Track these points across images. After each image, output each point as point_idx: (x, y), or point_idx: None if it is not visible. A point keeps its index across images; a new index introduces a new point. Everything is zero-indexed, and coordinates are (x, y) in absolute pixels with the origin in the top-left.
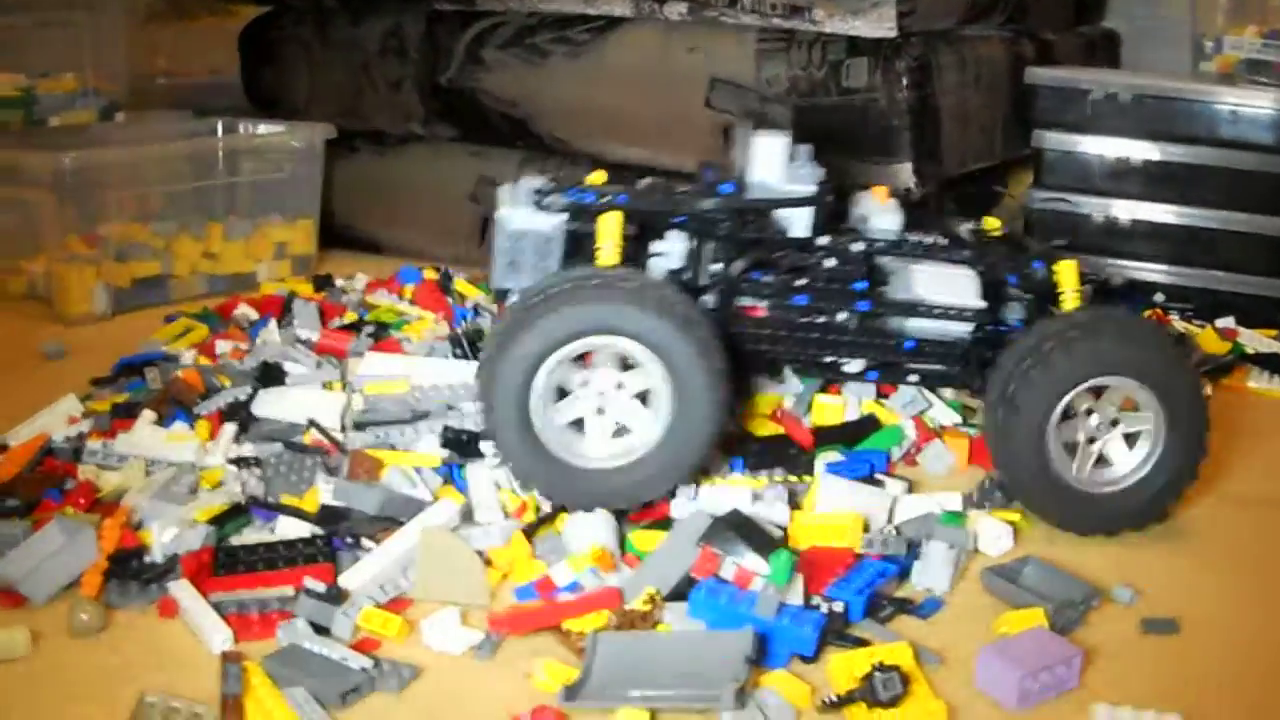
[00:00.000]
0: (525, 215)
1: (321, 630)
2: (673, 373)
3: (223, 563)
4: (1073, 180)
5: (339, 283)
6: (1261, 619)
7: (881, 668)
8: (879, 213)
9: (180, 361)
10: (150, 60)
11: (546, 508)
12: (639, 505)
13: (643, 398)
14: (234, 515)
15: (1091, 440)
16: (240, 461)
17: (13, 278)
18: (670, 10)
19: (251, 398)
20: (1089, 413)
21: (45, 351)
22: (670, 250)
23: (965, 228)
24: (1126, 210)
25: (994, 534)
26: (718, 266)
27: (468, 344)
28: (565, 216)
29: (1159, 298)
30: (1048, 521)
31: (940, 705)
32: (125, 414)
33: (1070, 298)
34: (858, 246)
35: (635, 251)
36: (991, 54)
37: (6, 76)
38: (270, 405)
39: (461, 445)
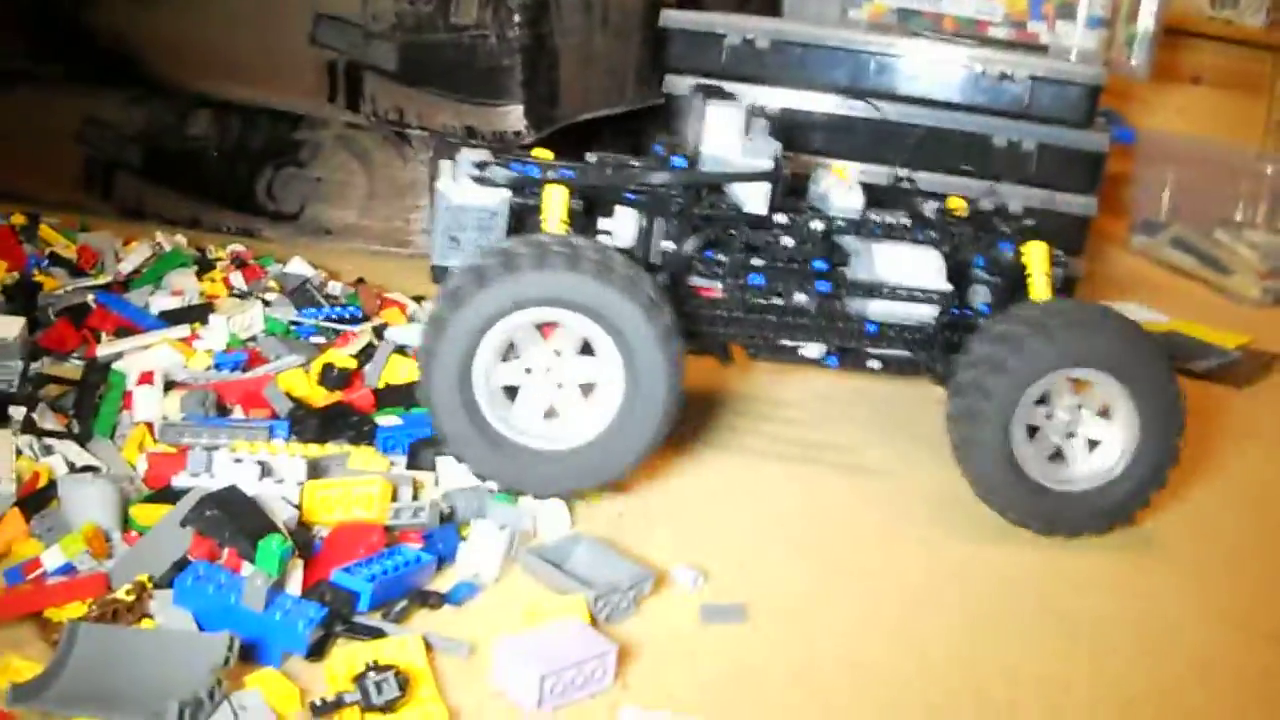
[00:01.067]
0: (467, 189)
1: None
2: (630, 359)
3: None
4: None
5: None
6: (829, 605)
7: (376, 668)
8: (840, 191)
9: None
10: None
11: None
12: (576, 492)
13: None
14: None
15: (1069, 435)
16: None
17: None
18: None
19: None
20: (1068, 407)
21: None
22: (619, 228)
23: (930, 206)
24: None
25: (555, 513)
26: (669, 245)
27: (24, 295)
28: (508, 191)
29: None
30: (1008, 518)
31: (443, 709)
32: None
33: (1040, 282)
34: (817, 225)
35: (583, 229)
36: None
37: None
38: None
39: None
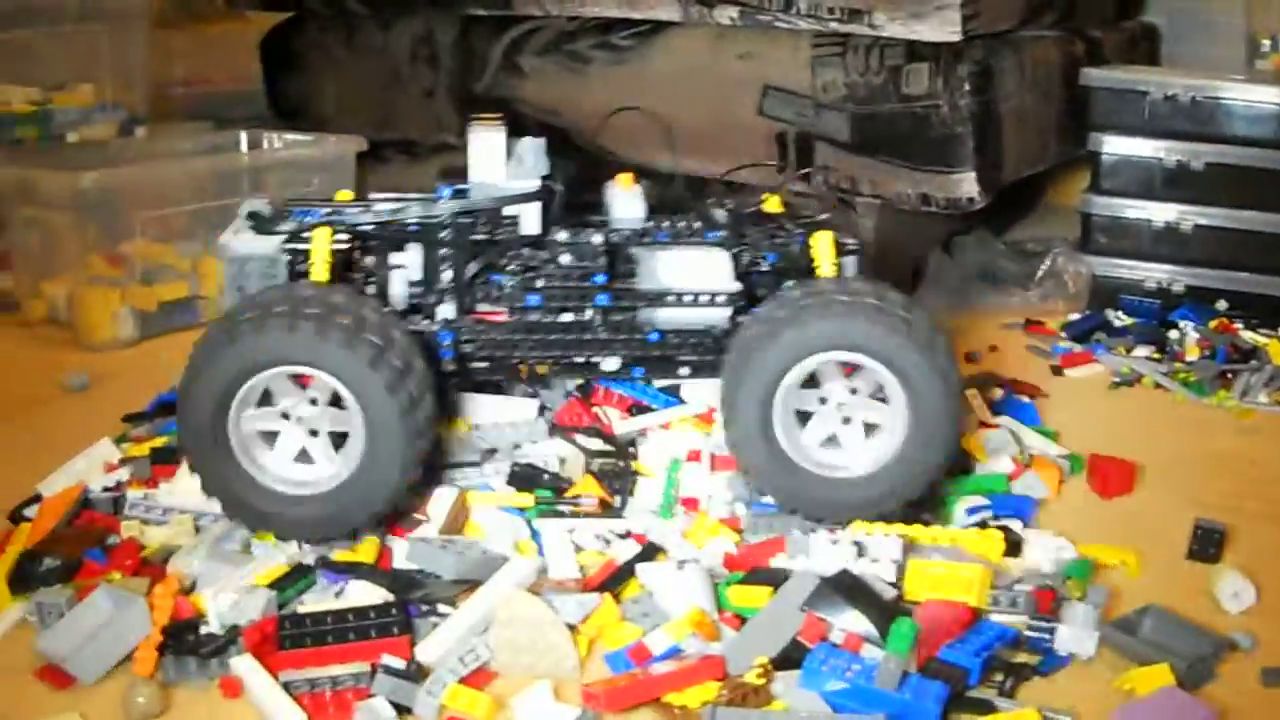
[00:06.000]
0: (247, 240)
1: (403, 711)
2: (366, 413)
3: (289, 634)
4: (1131, 184)
5: None
6: None
7: None
8: (623, 200)
9: None
10: (166, 69)
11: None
12: (319, 539)
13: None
14: (296, 577)
15: (845, 420)
16: None
17: (33, 301)
18: (720, 14)
19: None
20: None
21: (69, 384)
22: (409, 261)
23: (722, 208)
24: (1186, 215)
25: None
26: (450, 274)
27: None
28: (285, 238)
29: (1221, 305)
30: (777, 501)
31: None
32: (166, 459)
33: (825, 269)
34: (596, 239)
35: (377, 265)
36: (1046, 55)
37: (20, 90)
38: None
39: (528, 480)
